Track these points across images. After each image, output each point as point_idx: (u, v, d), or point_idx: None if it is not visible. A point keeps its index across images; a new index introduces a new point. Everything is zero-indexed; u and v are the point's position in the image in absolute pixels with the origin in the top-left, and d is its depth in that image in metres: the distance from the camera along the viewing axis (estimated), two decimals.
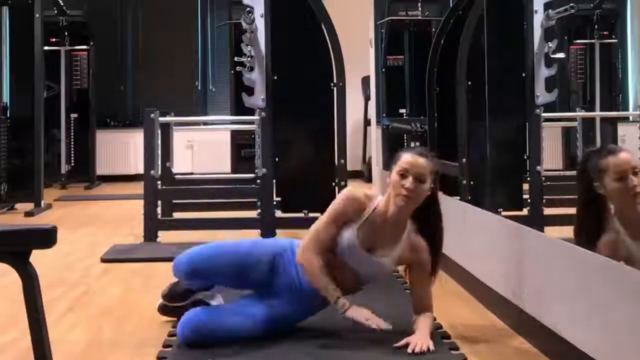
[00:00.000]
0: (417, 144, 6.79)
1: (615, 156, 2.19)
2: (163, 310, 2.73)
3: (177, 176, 5.45)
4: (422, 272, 2.52)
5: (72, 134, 8.68)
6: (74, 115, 8.70)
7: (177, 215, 5.21)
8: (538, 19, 3.79)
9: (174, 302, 2.69)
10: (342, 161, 4.54)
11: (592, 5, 7.64)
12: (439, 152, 2.60)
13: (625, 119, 6.72)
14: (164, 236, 4.53)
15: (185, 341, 2.39)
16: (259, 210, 4.57)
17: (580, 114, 5.53)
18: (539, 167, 3.82)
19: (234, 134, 8.03)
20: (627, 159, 2.18)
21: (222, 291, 2.75)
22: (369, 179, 7.10)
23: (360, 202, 2.50)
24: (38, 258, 1.54)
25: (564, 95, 7.53)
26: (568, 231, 2.31)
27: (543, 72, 3.82)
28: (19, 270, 1.55)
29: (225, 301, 2.72)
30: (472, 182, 4.14)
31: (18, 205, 6.20)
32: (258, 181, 4.58)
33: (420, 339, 2.35)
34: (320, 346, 2.40)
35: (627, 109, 7.48)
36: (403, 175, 2.41)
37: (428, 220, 2.52)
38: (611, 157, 2.19)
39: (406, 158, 2.44)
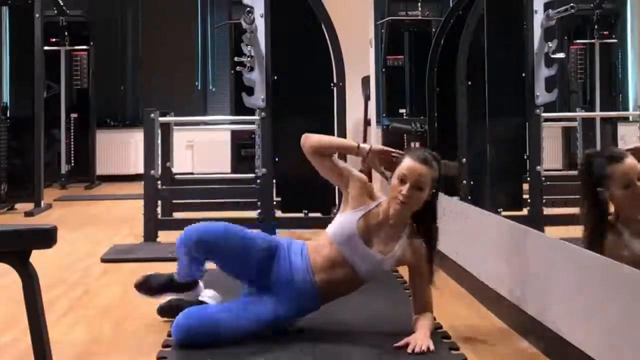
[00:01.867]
0: (417, 144, 6.79)
1: (621, 163, 2.20)
2: (162, 312, 2.73)
3: (177, 176, 5.45)
4: (421, 273, 2.52)
5: (72, 134, 8.68)
6: (74, 115, 8.70)
7: (177, 215, 5.21)
8: (538, 19, 3.80)
9: (146, 294, 2.68)
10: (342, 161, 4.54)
11: (592, 5, 7.64)
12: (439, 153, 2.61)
13: (625, 119, 6.72)
14: (164, 236, 4.53)
15: (178, 343, 2.39)
16: (259, 210, 4.57)
17: (580, 114, 5.53)
18: (538, 167, 3.82)
19: (234, 134, 8.03)
20: (632, 166, 2.19)
21: (199, 293, 2.73)
22: (369, 179, 7.09)
23: (370, 191, 2.53)
24: (38, 258, 1.54)
25: (564, 95, 7.53)
26: (568, 231, 2.31)
27: (543, 72, 3.82)
28: (19, 270, 1.55)
29: (218, 302, 2.71)
30: (472, 182, 4.14)
31: (18, 205, 6.20)
32: (258, 181, 4.58)
33: (420, 339, 2.35)
34: (319, 346, 2.40)
35: (627, 109, 7.47)
36: (402, 180, 2.42)
37: (423, 220, 2.52)
38: (617, 165, 2.19)
39: (407, 164, 2.44)
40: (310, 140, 2.57)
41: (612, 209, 2.23)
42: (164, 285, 2.68)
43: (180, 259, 2.62)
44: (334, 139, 2.70)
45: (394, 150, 2.54)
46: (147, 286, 2.69)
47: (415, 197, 2.42)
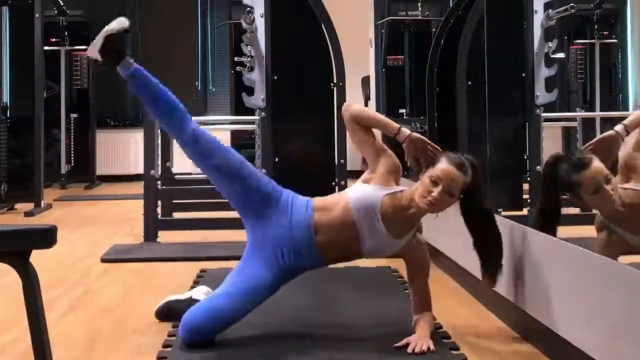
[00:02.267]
0: None
1: (589, 170, 2.23)
2: (160, 314, 2.73)
3: (177, 176, 5.45)
4: (420, 270, 2.52)
5: (72, 134, 8.68)
6: (74, 115, 8.71)
7: (177, 215, 5.21)
8: (538, 19, 3.80)
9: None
10: (342, 161, 4.53)
11: (592, 5, 7.64)
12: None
13: (625, 119, 6.71)
14: (164, 236, 4.53)
15: (187, 343, 2.39)
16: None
17: (580, 114, 5.53)
18: (538, 167, 3.82)
19: (234, 134, 8.03)
20: (599, 170, 2.23)
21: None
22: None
23: (398, 176, 2.53)
24: (38, 258, 1.54)
25: (564, 95, 7.53)
26: (568, 231, 2.32)
27: (543, 72, 3.82)
28: (19, 270, 1.55)
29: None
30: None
31: (18, 205, 6.20)
32: None
33: (420, 339, 2.35)
34: (320, 346, 2.40)
35: (627, 109, 7.46)
36: (435, 182, 2.40)
37: (472, 211, 2.51)
38: (584, 172, 2.24)
39: (443, 166, 2.41)
40: (353, 108, 2.57)
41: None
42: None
43: None
44: (376, 114, 2.71)
45: (431, 143, 2.52)
46: (171, 314, 2.68)
47: (445, 201, 2.41)
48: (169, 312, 2.69)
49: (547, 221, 2.35)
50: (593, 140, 2.44)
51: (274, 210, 2.51)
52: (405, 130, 2.53)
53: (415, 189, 2.46)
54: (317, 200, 2.55)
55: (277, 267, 2.47)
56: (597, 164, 2.25)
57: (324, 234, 2.47)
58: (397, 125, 2.56)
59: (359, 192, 2.50)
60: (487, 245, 2.51)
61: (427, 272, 2.53)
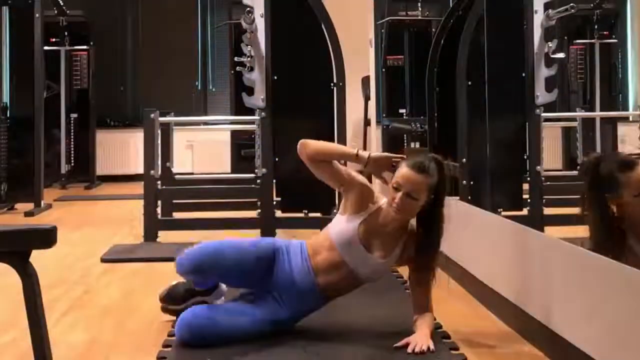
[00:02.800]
0: (417, 144, 6.79)
1: (634, 171, 2.19)
2: (165, 308, 2.73)
3: (177, 176, 5.44)
4: (421, 274, 2.52)
5: (72, 134, 8.68)
6: (74, 115, 8.70)
7: (177, 215, 5.21)
8: (538, 19, 3.79)
9: (173, 305, 2.69)
10: (342, 161, 4.53)
11: (592, 5, 7.64)
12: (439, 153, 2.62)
13: (625, 119, 6.71)
14: (164, 236, 4.53)
15: (182, 341, 2.39)
16: (259, 210, 4.57)
17: (580, 114, 5.53)
18: (538, 167, 3.82)
19: (234, 134, 8.03)
20: None
21: (223, 294, 2.74)
22: (368, 179, 7.09)
23: (371, 195, 2.51)
24: (38, 258, 1.54)
25: (564, 95, 7.53)
26: (568, 231, 2.31)
27: (543, 72, 3.82)
28: (19, 270, 1.55)
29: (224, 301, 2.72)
30: (472, 182, 4.13)
31: (18, 205, 6.20)
32: (258, 181, 4.58)
33: (420, 339, 2.35)
34: (320, 346, 2.40)
35: (627, 109, 7.47)
36: (396, 188, 2.41)
37: (426, 224, 2.50)
38: (630, 173, 2.18)
39: (402, 172, 2.41)
40: (308, 147, 2.54)
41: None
42: (189, 291, 2.69)
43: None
44: (332, 146, 2.67)
45: (394, 155, 2.52)
46: (175, 295, 2.69)
47: (409, 205, 2.40)
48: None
49: (603, 231, 2.22)
50: None
51: (274, 266, 2.52)
52: (364, 154, 2.53)
53: (387, 203, 2.47)
54: (310, 244, 2.56)
55: (281, 311, 2.48)
56: None
57: (323, 275, 2.50)
58: (353, 151, 2.56)
59: (337, 228, 2.52)
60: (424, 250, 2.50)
61: (429, 274, 2.52)
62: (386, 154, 2.55)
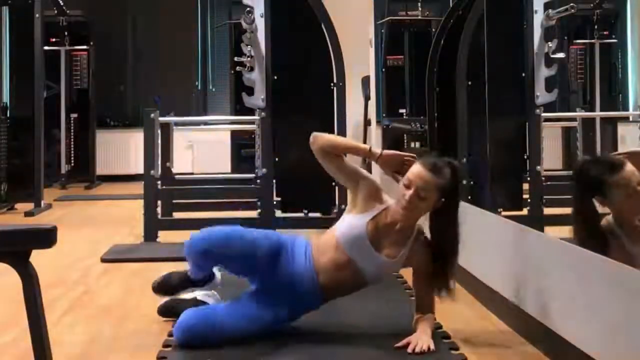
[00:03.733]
0: (417, 144, 6.79)
1: (623, 171, 2.19)
2: (163, 311, 2.73)
3: (177, 176, 5.45)
4: (424, 272, 2.52)
5: (72, 134, 8.68)
6: (74, 115, 8.70)
7: (177, 215, 5.21)
8: (538, 19, 3.79)
9: (164, 293, 2.70)
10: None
11: (592, 5, 7.64)
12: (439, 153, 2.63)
13: (625, 119, 6.71)
14: (163, 236, 4.52)
15: (180, 343, 2.39)
16: (259, 210, 4.57)
17: (580, 114, 5.53)
18: (538, 167, 3.82)
19: (234, 134, 8.03)
20: (633, 172, 2.19)
21: (218, 285, 2.74)
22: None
23: (380, 194, 2.51)
24: (38, 258, 1.54)
25: (564, 95, 7.53)
26: (568, 231, 2.31)
27: (543, 72, 3.82)
28: (19, 270, 1.55)
29: (216, 301, 2.71)
30: (472, 182, 4.14)
31: (18, 205, 6.20)
32: (258, 181, 4.58)
33: (420, 339, 2.35)
34: (320, 346, 2.40)
35: (627, 109, 7.47)
36: (407, 185, 2.40)
37: (437, 228, 2.50)
38: (619, 173, 2.19)
39: (415, 169, 2.41)
40: (320, 139, 2.55)
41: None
42: (183, 282, 2.69)
43: (190, 265, 2.65)
44: (345, 140, 2.69)
45: (406, 154, 2.52)
46: (168, 285, 2.70)
47: (417, 205, 2.40)
48: (172, 310, 2.69)
49: (588, 227, 2.24)
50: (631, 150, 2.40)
51: (278, 262, 2.51)
52: (376, 150, 2.53)
53: (396, 201, 2.46)
54: (314, 243, 2.56)
55: (279, 310, 2.48)
56: (631, 166, 2.20)
57: (326, 275, 2.49)
58: (366, 147, 2.57)
59: (344, 227, 2.51)
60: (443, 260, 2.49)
61: (428, 273, 2.51)
62: (398, 152, 2.54)
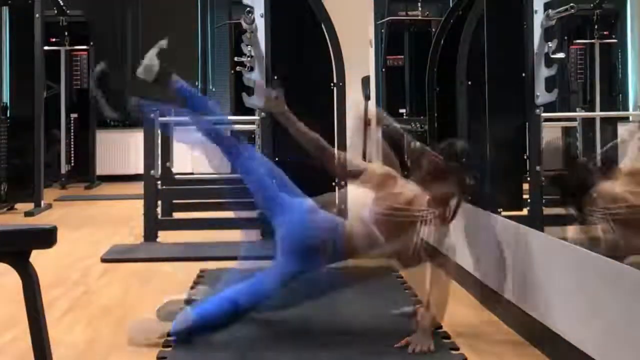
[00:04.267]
0: (417, 143, 6.77)
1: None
2: (162, 314, 2.73)
3: (177, 176, 5.44)
4: (438, 278, 2.53)
5: (72, 134, 8.68)
6: (74, 115, 8.70)
7: (177, 215, 5.21)
8: (538, 19, 3.79)
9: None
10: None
11: (592, 5, 7.64)
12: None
13: (625, 119, 6.71)
14: (163, 236, 4.53)
15: (180, 343, 2.39)
16: (259, 210, 4.56)
17: (580, 114, 5.53)
18: (538, 167, 3.82)
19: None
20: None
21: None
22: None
23: (395, 178, 2.64)
24: (38, 258, 1.54)
25: (564, 95, 7.53)
26: (568, 231, 2.32)
27: (543, 72, 3.81)
28: (19, 270, 1.55)
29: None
30: (471, 182, 4.13)
31: (18, 205, 6.20)
32: None
33: (420, 339, 2.35)
34: (320, 346, 2.40)
35: (627, 109, 7.47)
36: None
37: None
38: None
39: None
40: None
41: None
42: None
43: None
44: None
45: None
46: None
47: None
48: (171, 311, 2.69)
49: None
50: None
51: (280, 211, 2.55)
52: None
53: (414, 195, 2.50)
54: (347, 228, 2.62)
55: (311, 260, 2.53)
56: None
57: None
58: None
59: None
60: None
61: (441, 273, 2.53)
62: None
